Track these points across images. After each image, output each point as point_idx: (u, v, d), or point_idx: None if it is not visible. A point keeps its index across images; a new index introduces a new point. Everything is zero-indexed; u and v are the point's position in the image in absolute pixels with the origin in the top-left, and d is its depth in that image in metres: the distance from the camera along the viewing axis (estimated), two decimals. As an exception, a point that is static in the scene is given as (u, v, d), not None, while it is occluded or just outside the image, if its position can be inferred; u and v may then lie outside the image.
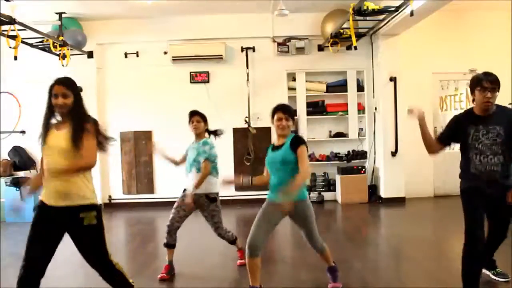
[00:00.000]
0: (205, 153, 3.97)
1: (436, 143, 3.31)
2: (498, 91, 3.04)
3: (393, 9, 5.69)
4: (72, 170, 2.60)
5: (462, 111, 3.45)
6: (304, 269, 4.11)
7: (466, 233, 3.03)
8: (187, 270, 4.19)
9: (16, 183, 6.81)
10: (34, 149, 7.50)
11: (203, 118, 4.14)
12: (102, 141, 2.75)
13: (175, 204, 4.05)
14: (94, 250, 2.69)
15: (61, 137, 2.64)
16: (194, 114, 4.13)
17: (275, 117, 3.32)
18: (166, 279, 3.91)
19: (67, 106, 2.66)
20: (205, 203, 3.97)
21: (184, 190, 4.10)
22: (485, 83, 2.99)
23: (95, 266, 2.72)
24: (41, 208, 2.67)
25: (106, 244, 2.71)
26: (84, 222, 2.60)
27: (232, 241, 4.18)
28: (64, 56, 6.58)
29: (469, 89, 3.26)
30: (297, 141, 3.25)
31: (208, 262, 4.49)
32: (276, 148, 3.36)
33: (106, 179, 7.67)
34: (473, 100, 3.13)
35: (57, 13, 6.61)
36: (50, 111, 2.73)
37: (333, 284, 3.56)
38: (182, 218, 4.00)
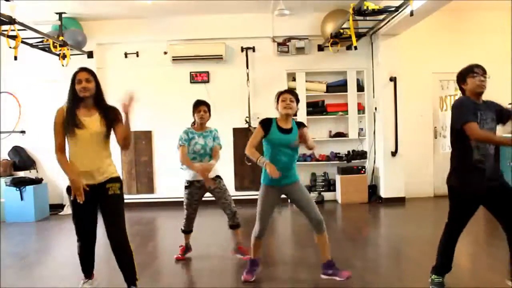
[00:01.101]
0: (219, 139, 4.29)
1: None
2: (488, 77, 3.23)
3: (393, 9, 5.69)
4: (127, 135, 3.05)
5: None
6: (304, 269, 4.11)
7: (447, 228, 3.35)
8: (188, 266, 4.19)
9: (16, 183, 6.81)
10: (34, 149, 7.50)
11: (209, 108, 4.26)
12: None
13: (186, 202, 4.26)
14: (115, 219, 3.04)
15: (94, 121, 3.01)
16: (201, 103, 4.22)
17: (280, 98, 3.51)
18: (181, 259, 4.36)
19: (91, 90, 3.00)
20: (216, 181, 4.19)
21: (189, 185, 4.21)
22: (475, 69, 3.21)
23: (113, 233, 3.01)
24: None
25: (124, 214, 3.10)
26: (109, 191, 3.02)
27: (236, 225, 4.28)
28: (64, 56, 6.58)
29: (457, 86, 3.39)
30: (302, 124, 3.59)
31: (210, 256, 4.49)
32: (285, 130, 3.48)
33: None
34: (463, 91, 3.28)
35: (57, 13, 6.62)
36: (75, 98, 3.01)
37: (346, 273, 3.60)
38: (196, 209, 4.30)
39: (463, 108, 3.14)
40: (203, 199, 4.35)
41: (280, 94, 3.54)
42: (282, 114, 3.50)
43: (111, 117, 3.07)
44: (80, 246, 3.17)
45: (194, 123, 4.31)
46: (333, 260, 3.65)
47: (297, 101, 3.55)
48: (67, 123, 2.97)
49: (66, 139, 3.03)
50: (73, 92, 3.01)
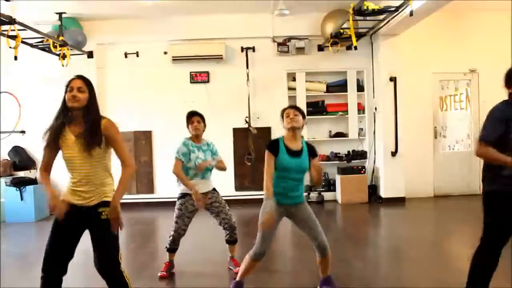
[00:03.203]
0: (217, 152, 4.12)
1: (489, 147, 2.76)
2: None
3: (393, 9, 5.69)
4: (125, 184, 2.69)
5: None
6: (304, 269, 4.10)
7: (484, 242, 2.87)
8: (187, 269, 4.20)
9: (16, 183, 6.81)
10: (34, 149, 7.51)
11: (203, 119, 4.09)
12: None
13: (177, 213, 3.94)
14: (107, 244, 2.66)
15: (80, 143, 2.63)
16: (194, 114, 4.07)
17: (284, 114, 3.33)
18: (166, 277, 3.96)
19: (80, 101, 2.63)
20: (214, 194, 4.01)
21: (184, 195, 3.94)
22: None
23: (104, 265, 2.66)
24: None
25: (118, 244, 2.70)
26: (101, 216, 2.63)
27: (234, 241, 4.06)
28: (64, 56, 6.58)
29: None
30: (314, 151, 3.36)
31: (208, 260, 4.49)
32: (294, 153, 3.25)
33: (106, 179, 7.65)
34: (510, 94, 2.87)
35: (57, 13, 6.61)
36: (65, 107, 2.68)
37: None
38: (187, 225, 3.97)
39: (492, 120, 2.79)
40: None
41: (284, 110, 3.39)
42: (288, 128, 3.27)
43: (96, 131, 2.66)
44: (43, 279, 2.67)
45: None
46: (331, 277, 3.42)
47: (303, 115, 3.36)
48: (53, 141, 2.68)
49: (53, 158, 2.75)
50: (63, 102, 2.67)
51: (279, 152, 3.21)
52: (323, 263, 3.35)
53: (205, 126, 4.10)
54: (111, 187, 2.77)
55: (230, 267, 4.12)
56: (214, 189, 4.08)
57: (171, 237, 3.96)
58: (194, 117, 4.04)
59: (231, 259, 4.15)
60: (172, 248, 4.01)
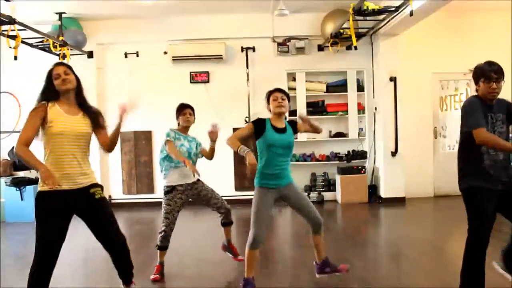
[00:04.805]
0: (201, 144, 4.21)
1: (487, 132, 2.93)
2: (503, 81, 3.00)
3: (393, 9, 5.70)
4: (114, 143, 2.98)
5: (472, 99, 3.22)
6: (304, 269, 4.10)
7: (472, 235, 2.95)
8: (187, 270, 4.20)
9: (16, 183, 6.81)
10: (34, 149, 7.49)
11: (194, 112, 4.17)
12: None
13: (167, 208, 3.89)
14: (109, 221, 2.82)
15: (80, 122, 2.79)
16: (187, 106, 4.13)
17: (271, 98, 3.44)
18: (158, 280, 3.91)
19: (72, 82, 2.77)
20: (199, 184, 4.06)
21: (171, 190, 3.91)
22: (490, 74, 2.97)
23: (111, 238, 2.83)
24: (46, 196, 2.64)
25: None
26: (96, 195, 2.77)
27: (230, 222, 4.20)
28: (64, 56, 6.58)
29: (472, 82, 3.15)
30: (295, 125, 3.56)
31: (207, 261, 4.49)
32: (279, 130, 3.41)
33: (106, 179, 7.67)
34: (476, 90, 3.08)
35: (57, 13, 6.62)
36: (54, 95, 2.78)
37: (343, 266, 3.64)
38: (176, 218, 3.93)
39: (474, 110, 2.94)
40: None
41: (270, 93, 3.48)
42: (275, 113, 3.41)
43: (96, 120, 2.89)
44: (37, 270, 2.59)
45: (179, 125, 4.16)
46: (327, 257, 3.63)
47: (288, 99, 3.52)
48: (51, 120, 2.70)
49: (36, 137, 2.77)
50: (49, 89, 2.77)
51: (264, 130, 3.35)
52: (319, 241, 3.53)
53: (194, 119, 4.16)
54: (91, 171, 2.87)
55: (228, 253, 4.23)
56: (198, 180, 4.08)
57: (163, 233, 3.88)
58: (186, 109, 4.09)
59: (230, 244, 4.23)
60: (164, 246, 3.93)
